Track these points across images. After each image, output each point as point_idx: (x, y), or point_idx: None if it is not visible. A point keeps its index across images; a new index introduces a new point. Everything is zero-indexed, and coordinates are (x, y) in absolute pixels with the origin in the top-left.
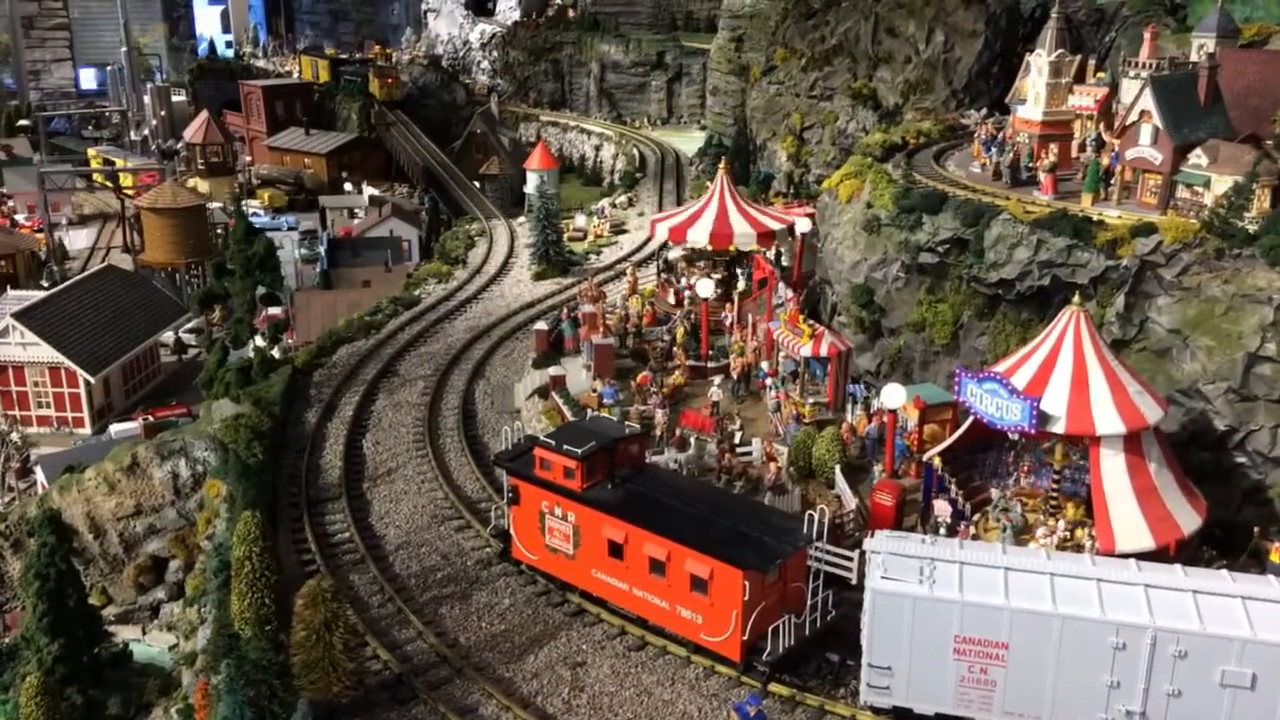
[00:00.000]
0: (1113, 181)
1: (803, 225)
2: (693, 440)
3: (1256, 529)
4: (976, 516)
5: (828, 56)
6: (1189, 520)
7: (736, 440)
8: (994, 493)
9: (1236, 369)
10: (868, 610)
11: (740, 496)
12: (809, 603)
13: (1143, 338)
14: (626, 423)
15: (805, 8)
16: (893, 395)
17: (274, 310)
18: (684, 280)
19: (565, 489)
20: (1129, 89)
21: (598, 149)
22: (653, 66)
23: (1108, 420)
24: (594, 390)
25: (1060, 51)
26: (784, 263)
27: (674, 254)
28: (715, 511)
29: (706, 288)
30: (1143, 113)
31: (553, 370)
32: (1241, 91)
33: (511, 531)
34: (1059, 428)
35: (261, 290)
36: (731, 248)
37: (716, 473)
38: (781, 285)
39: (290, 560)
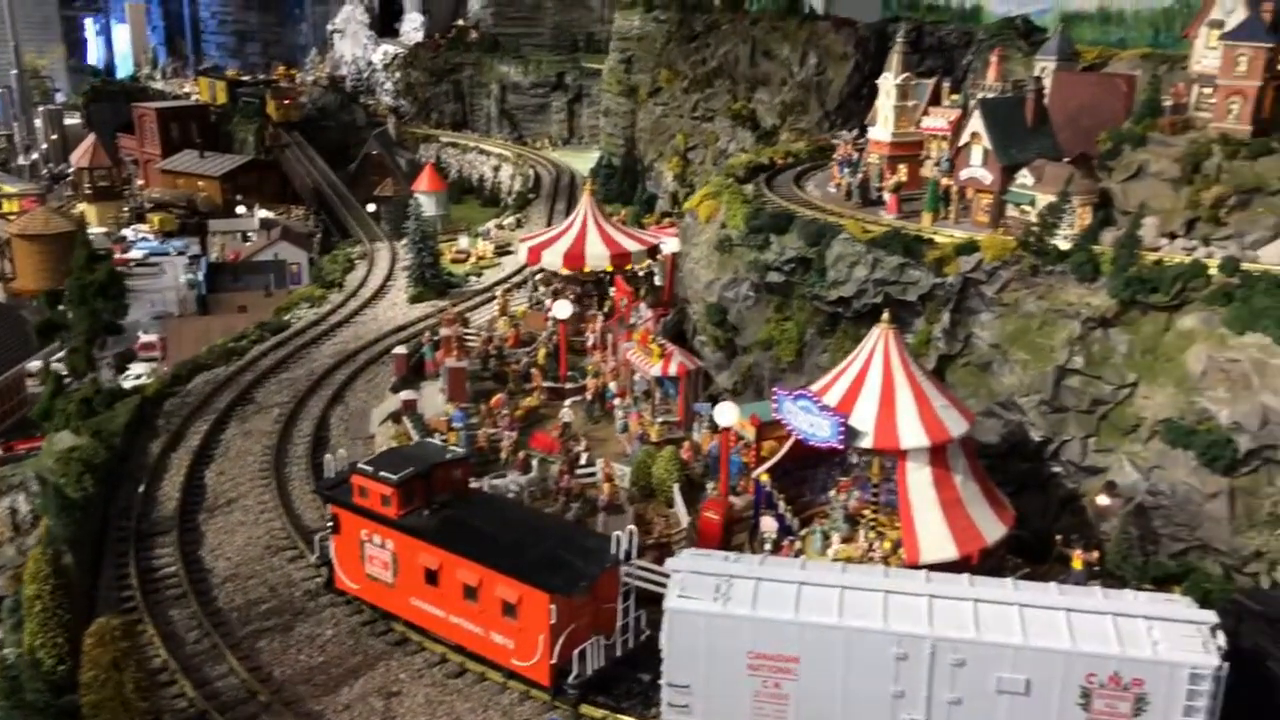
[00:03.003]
0: (951, 201)
1: (672, 245)
2: (534, 462)
3: (1059, 537)
4: (804, 531)
5: (709, 78)
6: (993, 529)
7: (582, 461)
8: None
9: (1048, 382)
10: (665, 629)
11: (557, 519)
12: (620, 623)
13: (968, 353)
14: (449, 447)
15: (688, 30)
16: (725, 413)
17: (148, 338)
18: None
19: (382, 516)
20: None
21: (496, 170)
22: (553, 87)
23: (913, 434)
24: (447, 414)
25: (906, 75)
26: (657, 283)
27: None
28: (530, 535)
29: (564, 309)
30: (973, 134)
31: (404, 395)
32: (1074, 112)
33: (334, 560)
34: (867, 443)
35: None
36: (586, 269)
37: (555, 494)
38: (642, 305)
39: (111, 597)
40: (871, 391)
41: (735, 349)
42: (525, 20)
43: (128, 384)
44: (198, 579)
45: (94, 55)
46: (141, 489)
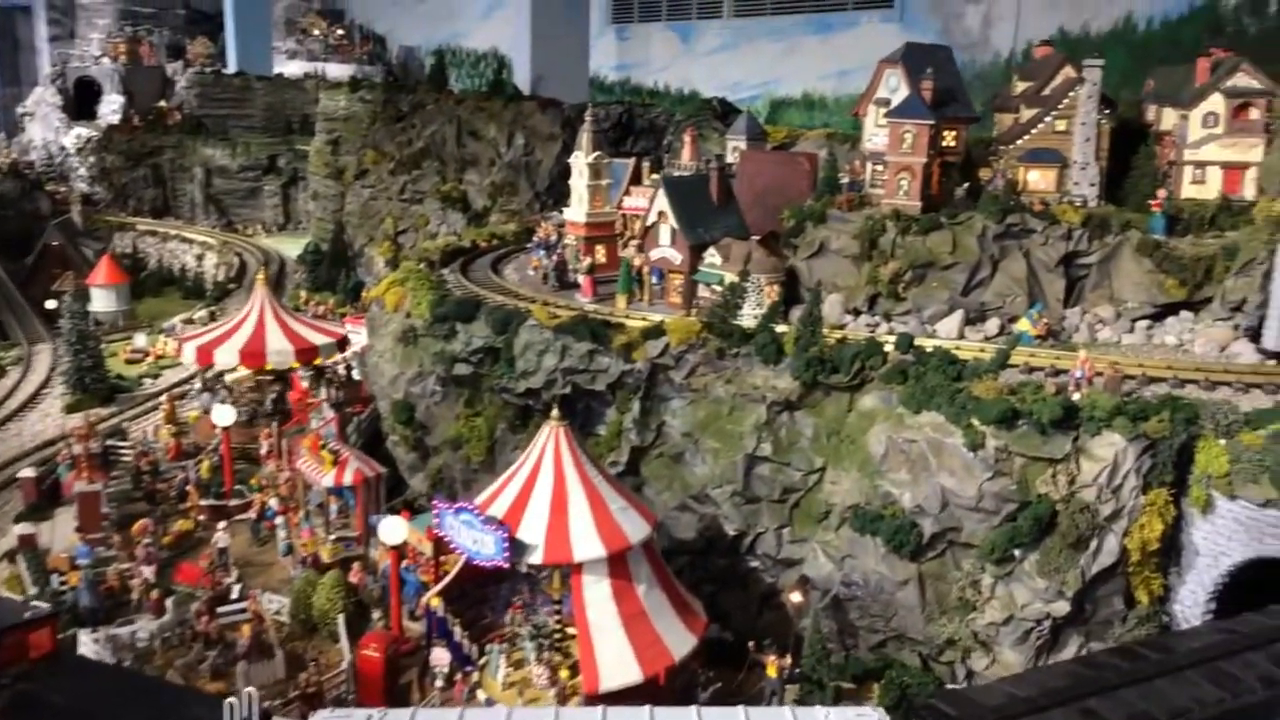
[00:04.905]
0: (645, 282)
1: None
2: (169, 603)
3: (751, 643)
4: (482, 659)
5: (416, 159)
6: (681, 644)
7: (233, 595)
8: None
9: (739, 471)
10: None
11: (165, 684)
12: None
13: (661, 443)
14: (34, 604)
15: (394, 111)
16: (391, 530)
17: None
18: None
19: None
20: None
21: (200, 259)
22: (265, 170)
23: (587, 545)
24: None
25: (597, 154)
26: (356, 377)
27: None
28: (120, 710)
29: (225, 415)
30: (660, 213)
31: (20, 529)
32: (761, 191)
33: None
34: (536, 558)
35: None
36: (268, 366)
37: (189, 641)
38: (325, 406)
39: None
40: (542, 498)
41: (426, 449)
42: (233, 101)
43: None
44: None
45: None
46: None
